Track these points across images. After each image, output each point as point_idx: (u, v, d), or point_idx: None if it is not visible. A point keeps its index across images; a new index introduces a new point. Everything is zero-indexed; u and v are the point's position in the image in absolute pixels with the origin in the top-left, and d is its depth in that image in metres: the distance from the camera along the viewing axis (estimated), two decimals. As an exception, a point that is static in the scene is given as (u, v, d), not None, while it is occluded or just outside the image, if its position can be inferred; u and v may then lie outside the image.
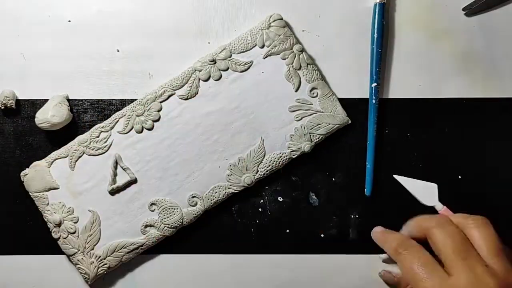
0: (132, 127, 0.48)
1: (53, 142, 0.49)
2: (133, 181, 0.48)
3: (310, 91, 0.49)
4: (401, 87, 0.50)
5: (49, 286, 0.49)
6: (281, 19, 0.49)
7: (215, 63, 0.49)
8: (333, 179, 0.50)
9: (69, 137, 0.49)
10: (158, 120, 0.49)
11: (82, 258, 0.47)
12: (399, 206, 0.49)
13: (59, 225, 0.47)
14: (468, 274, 0.38)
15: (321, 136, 0.49)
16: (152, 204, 0.48)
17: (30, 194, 0.48)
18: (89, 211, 0.48)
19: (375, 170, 0.49)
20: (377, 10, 0.49)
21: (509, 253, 0.41)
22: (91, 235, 0.48)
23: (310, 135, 0.49)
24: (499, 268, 0.39)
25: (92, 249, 0.47)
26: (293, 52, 0.49)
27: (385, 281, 0.48)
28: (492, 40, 0.51)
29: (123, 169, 0.48)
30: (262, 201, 0.50)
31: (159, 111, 0.49)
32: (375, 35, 0.49)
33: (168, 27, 0.50)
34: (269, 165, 0.48)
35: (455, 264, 0.39)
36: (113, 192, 0.48)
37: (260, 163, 0.48)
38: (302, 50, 0.49)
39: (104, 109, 0.50)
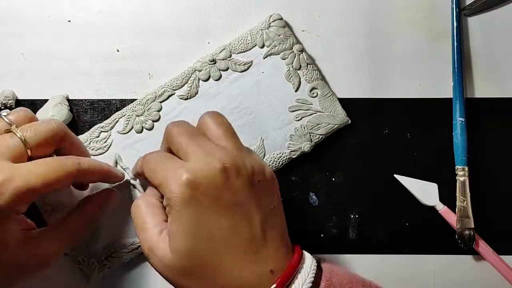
0: (132, 127, 0.48)
1: (53, 142, 0.49)
2: (133, 181, 0.48)
3: (310, 91, 0.49)
4: (401, 87, 0.50)
5: (49, 286, 0.49)
6: (281, 19, 0.49)
7: (215, 63, 0.49)
8: (333, 179, 0.50)
9: (69, 137, 0.49)
10: (158, 120, 0.49)
11: (82, 258, 0.47)
12: (399, 206, 0.49)
13: (59, 225, 0.47)
14: (199, 152, 0.37)
15: (321, 136, 0.49)
16: (152, 204, 0.48)
17: (30, 194, 0.48)
18: (89, 211, 0.48)
19: (375, 170, 0.49)
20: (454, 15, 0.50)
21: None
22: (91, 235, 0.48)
23: (310, 135, 0.49)
24: (230, 146, 0.39)
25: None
26: (293, 52, 0.49)
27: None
28: (492, 40, 0.51)
29: (123, 169, 0.48)
30: (262, 201, 0.49)
31: (159, 111, 0.49)
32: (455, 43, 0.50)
33: (168, 27, 0.50)
34: (269, 165, 0.48)
35: (189, 149, 0.38)
36: (113, 192, 0.48)
37: (260, 163, 0.48)
38: (302, 50, 0.49)
39: (104, 109, 0.50)
